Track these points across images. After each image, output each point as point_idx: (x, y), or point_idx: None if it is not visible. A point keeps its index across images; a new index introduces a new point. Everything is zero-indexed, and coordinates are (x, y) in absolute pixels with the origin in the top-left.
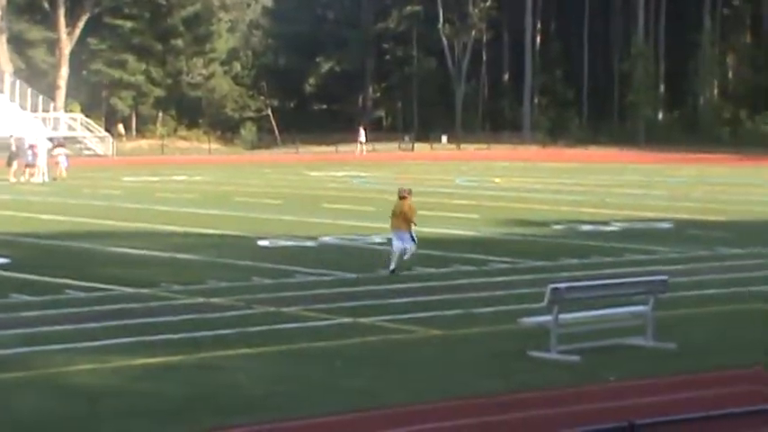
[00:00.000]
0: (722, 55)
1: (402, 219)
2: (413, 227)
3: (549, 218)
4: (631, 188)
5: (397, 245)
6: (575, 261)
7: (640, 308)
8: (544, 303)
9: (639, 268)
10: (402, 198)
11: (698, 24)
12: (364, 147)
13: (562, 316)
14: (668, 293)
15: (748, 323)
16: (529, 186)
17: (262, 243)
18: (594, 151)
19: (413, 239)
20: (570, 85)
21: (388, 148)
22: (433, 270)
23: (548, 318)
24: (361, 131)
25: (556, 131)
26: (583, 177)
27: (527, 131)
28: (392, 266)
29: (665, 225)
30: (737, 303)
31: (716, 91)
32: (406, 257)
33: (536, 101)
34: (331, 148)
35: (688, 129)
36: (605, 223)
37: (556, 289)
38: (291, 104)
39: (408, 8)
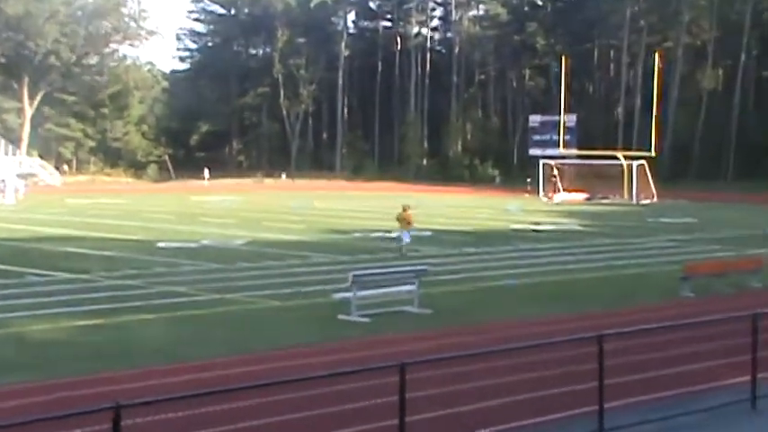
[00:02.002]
0: (463, 124)
1: (406, 222)
2: (411, 227)
3: (352, 228)
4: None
5: (404, 238)
6: (368, 256)
7: (411, 287)
8: (348, 284)
9: (411, 260)
10: (405, 210)
11: (448, 104)
12: (208, 182)
13: (360, 292)
14: (430, 277)
15: (476, 293)
16: (339, 207)
17: (160, 245)
18: (382, 184)
19: (408, 236)
20: (367, 140)
21: (246, 182)
22: (273, 262)
23: (350, 294)
24: (206, 171)
25: (357, 171)
26: (375, 202)
27: (338, 171)
28: (403, 251)
29: (427, 234)
30: (476, 282)
31: (460, 146)
32: (402, 246)
33: (344, 150)
34: (208, 182)
35: (442, 170)
36: (389, 231)
37: (356, 275)
38: (181, 152)
39: (260, 89)
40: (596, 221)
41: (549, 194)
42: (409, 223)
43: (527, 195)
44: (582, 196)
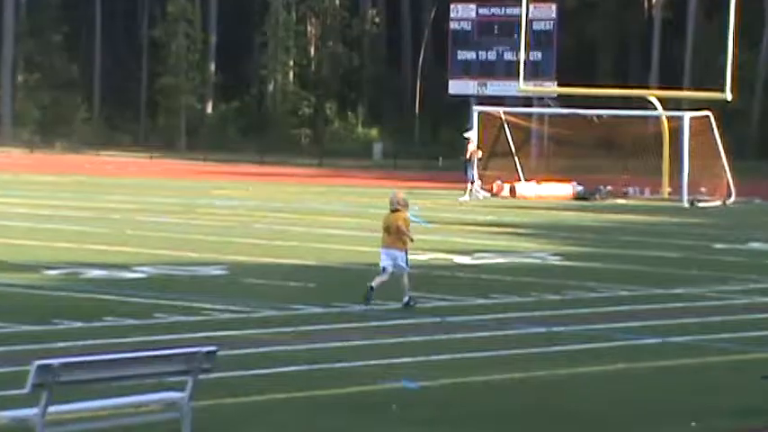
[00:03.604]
0: (301, 22)
1: (398, 236)
2: (408, 246)
3: (40, 259)
4: (166, 214)
5: (388, 266)
6: (80, 325)
7: (174, 394)
8: (27, 387)
9: (177, 335)
10: (395, 210)
11: None
12: None
13: (55, 408)
14: (219, 372)
15: (330, 411)
16: (6, 210)
17: None
18: (111, 159)
19: (406, 262)
20: (73, 57)
21: None
22: None
23: (32, 411)
24: None
25: (49, 127)
26: (91, 198)
27: (7, 127)
28: (406, 299)
29: (216, 271)
30: (328, 386)
31: (291, 74)
32: (404, 284)
33: (20, 79)
34: None
35: (251, 128)
36: (126, 267)
37: (45, 366)
38: None
39: None
40: (596, 247)
41: (496, 186)
42: (405, 241)
43: (469, 196)
44: (567, 190)
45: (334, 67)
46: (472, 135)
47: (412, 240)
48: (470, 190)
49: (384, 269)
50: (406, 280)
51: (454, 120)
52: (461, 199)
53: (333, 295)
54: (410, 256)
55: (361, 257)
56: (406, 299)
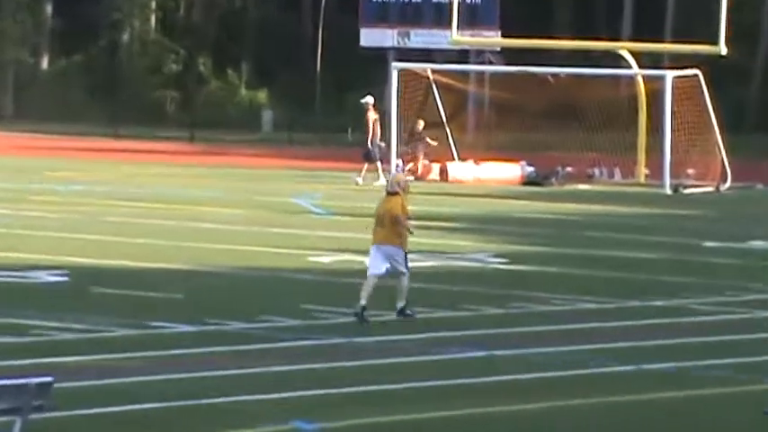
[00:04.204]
0: None
1: (392, 227)
2: (407, 240)
3: None
4: None
5: (377, 268)
6: None
7: None
8: None
9: (4, 362)
10: (393, 194)
11: None
12: None
13: None
14: (56, 411)
15: None
16: None
17: None
18: None
19: (406, 263)
20: None
21: None
22: None
23: None
24: None
25: None
26: None
27: None
28: (401, 304)
29: (53, 277)
30: (185, 430)
31: (153, 19)
32: (403, 287)
33: None
34: None
35: (100, 89)
36: None
37: None
38: None
39: None
40: (551, 247)
41: (422, 166)
42: (401, 235)
43: (385, 179)
44: (515, 173)
45: (208, 11)
46: (371, 100)
47: (411, 233)
48: (382, 170)
49: (372, 273)
50: (405, 283)
51: (366, 80)
52: (376, 183)
53: (206, 309)
54: (312, 258)
55: (245, 259)
56: (401, 304)
